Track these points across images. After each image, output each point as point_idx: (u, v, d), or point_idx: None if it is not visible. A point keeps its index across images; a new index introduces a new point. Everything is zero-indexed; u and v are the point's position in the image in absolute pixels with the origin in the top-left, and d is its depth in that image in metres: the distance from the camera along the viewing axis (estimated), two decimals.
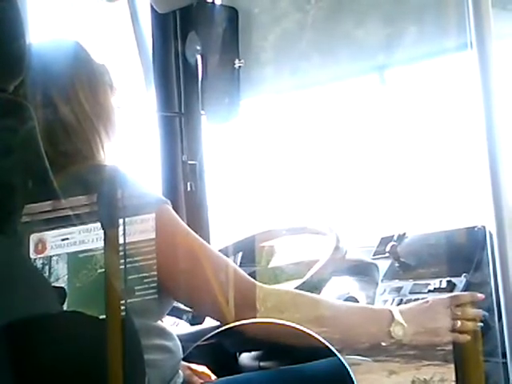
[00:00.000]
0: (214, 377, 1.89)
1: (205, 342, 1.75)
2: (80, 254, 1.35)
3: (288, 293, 1.52)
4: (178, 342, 1.65)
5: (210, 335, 1.74)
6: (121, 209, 1.46)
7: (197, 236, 1.46)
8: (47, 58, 1.61)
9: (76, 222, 1.32)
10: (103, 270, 1.12)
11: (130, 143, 1.85)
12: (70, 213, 1.27)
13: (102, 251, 1.07)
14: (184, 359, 1.72)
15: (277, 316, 1.41)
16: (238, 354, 2.03)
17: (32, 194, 1.21)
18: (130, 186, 1.52)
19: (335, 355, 1.64)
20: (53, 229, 1.33)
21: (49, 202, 1.23)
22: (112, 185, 1.52)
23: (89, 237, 1.34)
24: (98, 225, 1.17)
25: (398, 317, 1.44)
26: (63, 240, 1.36)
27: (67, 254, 1.35)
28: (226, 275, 1.41)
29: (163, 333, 1.62)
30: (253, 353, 1.96)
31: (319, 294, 1.85)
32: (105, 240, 1.33)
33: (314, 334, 1.71)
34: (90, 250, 1.34)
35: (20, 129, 1.16)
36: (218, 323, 1.83)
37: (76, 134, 1.58)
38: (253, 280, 1.46)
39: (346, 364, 1.63)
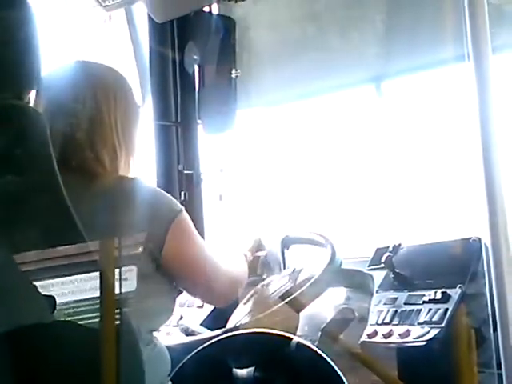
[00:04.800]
0: None
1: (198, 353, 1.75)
2: (75, 303, 1.37)
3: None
4: (167, 352, 1.66)
5: (203, 346, 1.74)
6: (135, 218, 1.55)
7: (202, 243, 1.75)
8: (77, 78, 1.69)
9: (74, 272, 1.34)
10: (97, 319, 1.14)
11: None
12: (68, 261, 1.28)
13: (98, 301, 1.09)
14: (178, 370, 1.72)
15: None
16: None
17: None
18: (153, 196, 1.66)
19: (330, 364, 1.64)
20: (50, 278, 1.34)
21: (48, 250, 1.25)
22: (137, 196, 1.59)
23: (85, 286, 1.37)
24: (95, 274, 1.22)
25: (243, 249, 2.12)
26: (60, 289, 1.37)
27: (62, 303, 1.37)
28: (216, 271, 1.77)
29: (155, 342, 1.63)
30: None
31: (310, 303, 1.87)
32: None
33: (308, 343, 1.72)
34: (85, 300, 1.36)
35: (32, 136, 1.18)
36: (210, 334, 1.84)
37: (100, 147, 1.63)
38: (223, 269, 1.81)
39: (341, 375, 1.63)
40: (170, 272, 1.66)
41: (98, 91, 1.66)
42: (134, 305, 1.35)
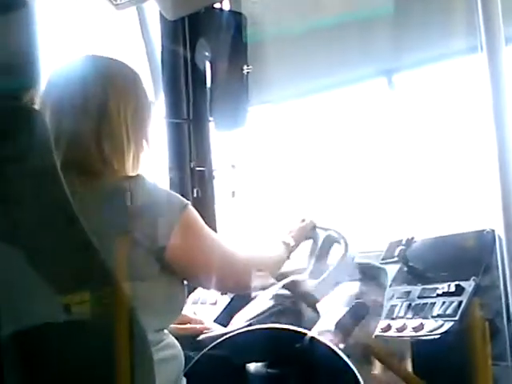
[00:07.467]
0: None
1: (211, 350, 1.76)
2: None
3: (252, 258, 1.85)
4: (180, 348, 1.66)
5: (215, 343, 1.74)
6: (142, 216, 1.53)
7: (212, 235, 1.71)
8: (86, 74, 1.66)
9: None
10: None
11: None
12: None
13: None
14: (191, 366, 1.72)
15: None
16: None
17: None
18: (155, 194, 1.62)
19: (344, 360, 1.64)
20: None
21: None
22: (139, 194, 1.56)
23: None
24: None
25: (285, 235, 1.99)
26: None
27: None
28: (229, 259, 1.72)
29: (165, 339, 1.63)
30: None
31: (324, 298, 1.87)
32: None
33: (321, 339, 1.71)
34: None
35: (32, 136, 1.17)
36: (223, 331, 1.84)
37: (107, 146, 1.61)
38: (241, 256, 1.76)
39: (355, 370, 1.63)
40: (178, 270, 1.62)
41: (108, 87, 1.63)
42: (138, 305, 1.33)
